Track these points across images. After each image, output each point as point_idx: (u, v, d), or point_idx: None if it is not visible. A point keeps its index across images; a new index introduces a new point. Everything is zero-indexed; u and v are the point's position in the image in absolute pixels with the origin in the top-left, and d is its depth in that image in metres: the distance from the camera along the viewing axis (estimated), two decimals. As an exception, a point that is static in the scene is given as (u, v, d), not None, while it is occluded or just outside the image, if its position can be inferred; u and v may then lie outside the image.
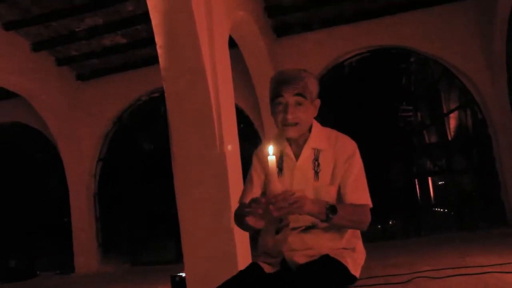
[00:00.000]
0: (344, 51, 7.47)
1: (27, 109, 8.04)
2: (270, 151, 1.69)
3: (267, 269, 1.94)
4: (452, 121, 8.09)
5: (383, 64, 7.78)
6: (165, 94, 4.05)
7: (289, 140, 2.02)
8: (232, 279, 1.90)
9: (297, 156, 1.99)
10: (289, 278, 1.81)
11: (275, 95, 1.94)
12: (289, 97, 1.90)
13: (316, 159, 1.96)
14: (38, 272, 8.37)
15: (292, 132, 1.93)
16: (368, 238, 7.40)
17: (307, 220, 1.88)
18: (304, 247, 1.90)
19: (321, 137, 2.00)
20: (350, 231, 1.96)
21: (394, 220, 7.97)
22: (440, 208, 8.70)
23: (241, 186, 2.37)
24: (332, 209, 1.78)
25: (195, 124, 4.02)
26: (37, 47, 7.27)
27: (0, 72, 6.94)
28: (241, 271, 1.96)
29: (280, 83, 1.93)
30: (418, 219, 7.39)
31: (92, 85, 8.39)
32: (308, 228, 1.92)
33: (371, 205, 1.94)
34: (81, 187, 8.30)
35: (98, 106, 8.36)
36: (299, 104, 1.90)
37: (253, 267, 1.97)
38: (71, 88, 8.25)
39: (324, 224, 1.87)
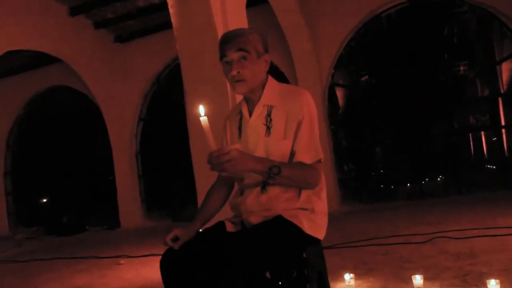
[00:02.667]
0: (381, 1, 7.13)
1: (71, 73, 8.32)
2: (201, 112, 1.68)
3: (229, 227, 1.99)
4: (501, 73, 7.58)
5: (424, 15, 7.32)
6: (178, 54, 4.05)
7: (246, 100, 2.04)
8: (196, 235, 1.96)
9: (251, 114, 2.00)
10: (240, 238, 1.85)
11: (221, 56, 1.95)
12: (232, 54, 1.91)
13: (268, 114, 1.95)
14: (87, 227, 8.90)
15: (240, 88, 1.94)
16: (406, 196, 7.36)
17: (259, 176, 1.86)
18: (261, 208, 1.91)
19: (274, 92, 1.99)
20: (309, 191, 1.92)
21: (434, 177, 7.72)
22: (486, 166, 8.30)
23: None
24: (275, 169, 1.77)
25: (208, 82, 4.00)
26: (73, 11, 7.44)
27: (40, 38, 7.21)
28: (206, 228, 2.01)
29: (224, 43, 1.94)
30: (459, 177, 7.10)
31: (129, 46, 8.54)
32: (264, 187, 1.90)
33: (321, 157, 1.92)
34: (124, 146, 8.61)
35: (137, 67, 8.52)
36: (243, 58, 1.90)
37: (219, 225, 2.02)
38: (110, 50, 8.42)
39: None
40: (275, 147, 1.89)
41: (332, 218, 6.60)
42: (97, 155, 9.31)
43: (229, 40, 1.93)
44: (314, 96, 7.29)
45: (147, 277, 4.08)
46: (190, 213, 8.40)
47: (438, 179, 7.83)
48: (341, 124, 7.89)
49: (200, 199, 3.94)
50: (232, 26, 4.05)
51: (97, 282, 4.18)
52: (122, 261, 4.99)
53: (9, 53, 7.58)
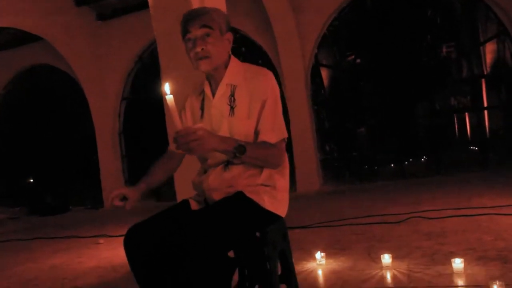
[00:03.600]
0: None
1: (54, 51, 8.19)
2: (167, 90, 1.64)
3: (194, 206, 2.00)
4: (485, 55, 7.60)
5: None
6: (154, 32, 3.99)
7: (208, 80, 2.02)
8: (159, 213, 1.95)
9: (214, 94, 1.99)
10: (201, 216, 1.84)
11: (184, 33, 1.93)
12: (196, 31, 1.89)
13: (232, 94, 1.94)
14: (70, 207, 8.88)
15: (204, 65, 1.91)
16: (388, 176, 7.42)
17: (222, 156, 1.87)
18: (223, 185, 1.92)
19: (237, 72, 1.98)
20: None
21: (417, 158, 7.77)
22: (469, 147, 8.37)
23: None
24: (240, 148, 1.77)
25: (184, 62, 3.95)
26: (54, -13, 7.31)
27: (18, 15, 7.07)
28: (170, 207, 2.02)
29: (187, 21, 1.92)
30: (440, 158, 7.16)
31: (112, 24, 8.42)
32: (227, 165, 1.92)
33: (286, 136, 1.94)
34: (107, 126, 8.57)
35: (119, 45, 8.41)
36: (207, 35, 1.89)
37: (183, 204, 2.03)
38: (92, 28, 8.31)
39: (239, 160, 1.86)
40: (239, 127, 1.89)
41: (313, 198, 6.70)
42: (80, 135, 9.24)
43: (192, 17, 1.91)
44: (297, 76, 7.32)
45: (123, 256, 4.07)
46: (174, 193, 8.40)
47: (421, 160, 7.89)
48: (324, 104, 7.89)
49: (177, 179, 3.95)
50: (209, 5, 4.01)
51: (73, 261, 4.19)
52: (101, 240, 4.99)
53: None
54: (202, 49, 1.87)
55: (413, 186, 6.35)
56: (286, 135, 1.95)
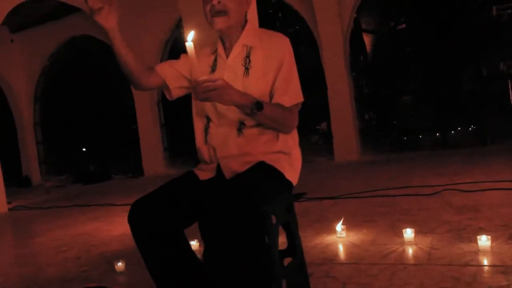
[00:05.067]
0: None
1: (92, 21, 8.23)
2: (189, 37, 1.59)
3: (202, 176, 1.90)
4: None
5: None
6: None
7: (222, 40, 1.94)
8: (164, 186, 1.88)
9: (228, 55, 1.91)
10: (223, 186, 1.76)
11: None
12: None
13: (247, 55, 1.87)
14: (112, 176, 9.12)
15: (220, 23, 1.83)
16: (429, 146, 7.10)
17: (232, 115, 1.82)
18: (239, 151, 1.84)
19: (253, 34, 1.92)
20: (285, 135, 1.88)
21: (460, 127, 7.37)
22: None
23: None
24: (258, 105, 1.71)
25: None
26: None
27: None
28: (173, 179, 1.94)
29: None
30: (486, 127, 6.76)
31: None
32: (240, 130, 1.84)
33: (301, 100, 1.87)
34: (145, 95, 8.62)
35: (156, 15, 8.36)
36: None
37: (188, 175, 1.94)
38: (129, -3, 8.28)
39: (252, 122, 1.82)
40: (254, 88, 1.81)
41: (350, 168, 6.55)
42: (121, 104, 9.39)
43: None
44: (334, 42, 7.04)
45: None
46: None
47: (464, 129, 7.48)
48: (363, 71, 7.58)
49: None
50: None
51: (103, 229, 4.27)
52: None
53: (31, 4, 7.62)
54: (219, 2, 1.79)
55: (455, 156, 6.04)
56: (301, 99, 1.88)
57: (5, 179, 6.53)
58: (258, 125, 1.84)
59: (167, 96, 2.07)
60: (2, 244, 4.42)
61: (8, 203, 6.57)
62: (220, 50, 1.94)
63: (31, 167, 10.04)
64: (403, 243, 2.69)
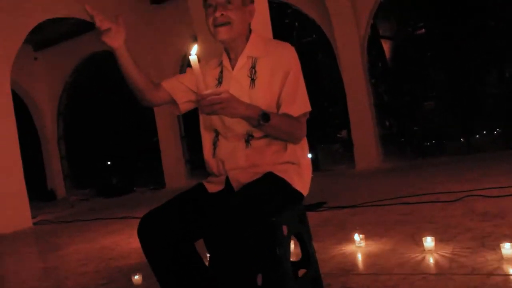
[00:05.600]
0: None
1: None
2: (193, 51, 1.58)
3: (211, 188, 1.90)
4: None
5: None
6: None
7: (227, 52, 1.95)
8: (173, 199, 1.88)
9: (234, 67, 1.92)
10: (230, 198, 1.73)
11: None
12: None
13: (253, 66, 1.87)
14: (135, 188, 9.19)
15: (223, 33, 1.84)
16: (452, 151, 6.94)
17: (240, 127, 1.82)
18: (248, 163, 1.83)
19: (259, 45, 1.91)
20: (294, 145, 1.86)
21: (484, 131, 7.18)
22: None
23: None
24: (265, 116, 1.70)
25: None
26: (107, -26, 7.44)
27: (75, 4, 7.28)
28: (183, 192, 1.94)
29: None
30: (511, 131, 6.57)
31: (167, 7, 8.46)
32: (248, 141, 1.84)
33: (309, 109, 1.87)
34: (165, 108, 8.67)
35: (175, 28, 8.45)
36: (228, 2, 1.82)
37: (197, 187, 1.95)
38: (147, 12, 8.40)
39: (260, 134, 1.81)
40: (260, 99, 1.81)
41: (371, 176, 6.45)
42: (141, 117, 9.47)
43: None
44: (352, 49, 6.97)
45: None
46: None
47: (490, 133, 7.29)
48: (382, 77, 7.49)
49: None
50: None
51: (123, 242, 4.29)
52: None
53: (54, 22, 7.80)
54: (222, 14, 1.81)
55: (479, 161, 5.89)
56: (309, 109, 1.87)
57: (31, 193, 6.65)
58: (266, 136, 1.83)
59: (175, 111, 2.08)
60: (25, 257, 4.48)
61: (33, 217, 6.68)
62: (226, 62, 1.94)
63: (55, 181, 10.20)
64: (423, 251, 2.62)
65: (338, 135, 8.06)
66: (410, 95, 7.43)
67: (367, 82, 7.06)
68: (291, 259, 2.05)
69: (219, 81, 1.95)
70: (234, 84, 1.88)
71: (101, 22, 1.74)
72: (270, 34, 4.15)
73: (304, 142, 1.93)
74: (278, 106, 1.82)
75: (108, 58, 9.44)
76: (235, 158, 1.84)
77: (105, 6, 7.47)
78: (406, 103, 7.46)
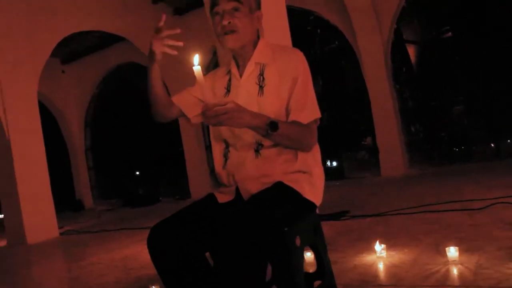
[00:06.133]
0: None
1: (136, 49, 8.54)
2: (195, 61, 1.56)
3: (221, 198, 1.87)
4: None
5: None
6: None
7: (235, 59, 1.93)
8: (183, 209, 1.85)
9: (242, 74, 1.89)
10: (239, 208, 1.71)
11: (212, 6, 1.86)
12: (224, 4, 1.81)
13: (261, 73, 1.84)
14: (160, 198, 9.25)
15: (231, 41, 1.82)
16: (481, 157, 6.73)
17: (249, 137, 1.79)
18: (258, 173, 1.78)
19: (266, 51, 1.89)
20: (305, 153, 1.81)
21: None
22: None
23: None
24: (272, 124, 1.66)
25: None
26: (129, -12, 7.58)
27: (104, 19, 7.46)
28: (194, 202, 1.92)
29: None
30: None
31: (188, 18, 8.55)
32: (258, 151, 1.80)
33: (319, 116, 1.82)
34: (189, 118, 8.75)
35: (196, 38, 8.51)
36: (235, 9, 1.81)
37: (208, 198, 1.91)
38: (169, 23, 8.40)
39: (269, 143, 1.77)
40: (269, 107, 1.77)
41: (397, 183, 6.32)
42: (166, 127, 9.55)
43: None
44: (375, 54, 6.90)
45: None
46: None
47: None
48: (407, 82, 7.35)
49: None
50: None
51: (143, 252, 4.28)
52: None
53: (79, 35, 7.98)
54: (229, 22, 1.79)
55: (509, 167, 5.70)
56: (319, 115, 1.82)
57: (60, 204, 6.76)
58: (276, 145, 1.78)
59: (189, 124, 2.07)
60: (48, 268, 4.53)
61: (60, 227, 6.78)
62: (234, 69, 1.92)
63: (83, 191, 10.37)
64: (447, 262, 2.52)
65: (363, 142, 7.95)
66: (437, 100, 7.27)
67: (391, 88, 6.95)
68: (309, 270, 2.01)
69: (228, 90, 1.92)
70: (242, 92, 1.85)
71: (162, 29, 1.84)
72: (289, 41, 4.11)
73: (316, 150, 1.88)
74: (288, 113, 1.78)
75: (132, 69, 9.66)
76: (245, 168, 1.81)
77: (127, 17, 7.63)
78: (432, 108, 7.30)
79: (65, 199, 9.35)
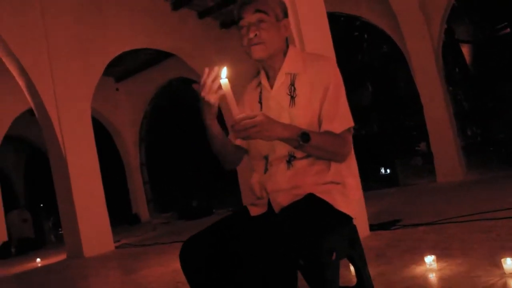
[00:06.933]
0: None
1: (185, 64, 8.73)
2: (223, 74, 1.57)
3: (253, 211, 1.84)
4: None
5: None
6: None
7: (265, 70, 1.90)
8: (215, 223, 1.85)
9: (272, 85, 1.86)
10: (270, 222, 1.68)
11: (238, 20, 1.85)
12: (249, 17, 1.80)
13: (292, 83, 1.81)
14: (214, 211, 9.34)
15: (258, 52, 1.80)
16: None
17: (283, 149, 1.75)
18: (289, 185, 1.75)
19: (296, 60, 1.85)
20: (339, 164, 1.76)
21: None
22: None
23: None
24: (304, 136, 1.62)
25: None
26: (176, 5, 7.76)
27: (153, 37, 7.68)
28: (227, 216, 1.91)
29: (241, 6, 1.84)
30: None
31: (235, 31, 8.62)
32: (290, 161, 1.77)
33: (352, 125, 1.76)
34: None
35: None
36: (260, 21, 1.79)
37: (242, 211, 1.89)
38: (217, 37, 8.61)
39: (302, 154, 1.73)
40: (301, 118, 1.74)
41: (453, 190, 6.06)
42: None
43: (246, 2, 1.83)
44: (425, 57, 6.69)
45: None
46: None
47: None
48: (460, 84, 7.05)
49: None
50: None
51: (193, 265, 4.31)
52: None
53: (131, 53, 8.26)
54: (256, 34, 1.78)
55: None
56: (351, 124, 1.77)
57: (117, 218, 6.96)
58: (309, 156, 1.74)
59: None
60: (100, 281, 4.66)
61: (117, 241, 6.98)
62: (264, 81, 1.89)
63: (139, 205, 10.65)
64: (503, 275, 2.35)
65: (417, 148, 7.68)
66: (494, 100, 6.92)
67: (444, 90, 6.68)
68: (349, 285, 1.94)
69: (260, 102, 1.90)
70: (273, 104, 1.83)
71: (206, 94, 1.72)
72: (331, 49, 4.05)
73: (351, 160, 1.83)
74: (320, 123, 1.74)
75: (182, 85, 9.87)
76: (276, 180, 1.78)
77: (176, 34, 7.81)
78: (489, 110, 6.95)
79: (122, 213, 9.64)
